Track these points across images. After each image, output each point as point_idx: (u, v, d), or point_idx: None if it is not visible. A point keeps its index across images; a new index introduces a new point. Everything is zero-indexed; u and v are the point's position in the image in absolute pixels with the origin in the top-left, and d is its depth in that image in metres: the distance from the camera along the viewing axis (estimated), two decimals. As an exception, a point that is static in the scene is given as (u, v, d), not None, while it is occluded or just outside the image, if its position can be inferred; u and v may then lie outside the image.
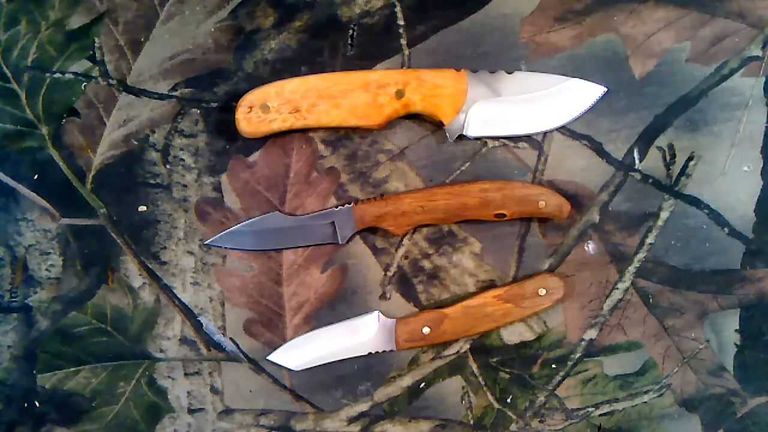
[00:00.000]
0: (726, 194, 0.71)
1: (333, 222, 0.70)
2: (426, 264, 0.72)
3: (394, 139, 0.73)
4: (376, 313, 0.70)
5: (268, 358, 0.71)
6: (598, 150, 0.72)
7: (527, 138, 0.72)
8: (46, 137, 0.73)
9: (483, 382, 0.72)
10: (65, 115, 0.73)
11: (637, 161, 0.72)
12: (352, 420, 0.72)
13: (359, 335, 0.70)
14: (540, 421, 0.71)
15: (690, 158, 0.72)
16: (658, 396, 0.71)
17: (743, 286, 0.71)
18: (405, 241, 0.72)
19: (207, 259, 0.72)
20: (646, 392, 0.71)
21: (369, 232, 0.72)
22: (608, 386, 0.71)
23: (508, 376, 0.72)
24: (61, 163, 0.73)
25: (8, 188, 0.73)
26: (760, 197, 0.71)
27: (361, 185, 0.72)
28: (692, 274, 0.71)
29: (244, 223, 0.71)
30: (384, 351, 0.70)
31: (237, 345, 0.72)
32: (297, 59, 0.73)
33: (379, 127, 0.71)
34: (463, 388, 0.72)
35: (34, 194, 0.73)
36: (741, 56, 0.72)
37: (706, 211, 0.71)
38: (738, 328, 0.71)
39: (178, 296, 0.72)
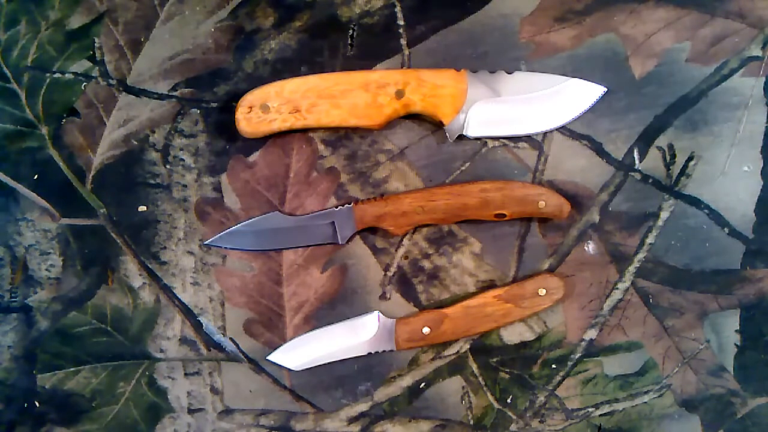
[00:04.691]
0: (726, 194, 0.71)
1: (333, 222, 0.70)
2: (426, 264, 0.72)
3: (394, 139, 0.73)
4: (376, 313, 0.70)
5: (268, 358, 0.71)
6: (598, 150, 0.72)
7: (527, 138, 0.72)
8: (46, 137, 0.73)
9: (483, 382, 0.72)
10: (65, 115, 0.74)
11: (637, 161, 0.72)
12: (352, 420, 0.72)
13: (359, 335, 0.70)
14: (540, 422, 0.71)
15: (690, 158, 0.72)
16: (659, 396, 0.71)
17: (743, 286, 0.71)
18: (405, 241, 0.72)
19: (207, 259, 0.72)
20: (646, 392, 0.71)
21: (369, 232, 0.72)
22: (608, 386, 0.71)
23: (508, 376, 0.72)
24: (61, 163, 0.73)
25: (8, 188, 0.73)
26: (760, 197, 0.71)
27: (361, 185, 0.72)
28: (692, 274, 0.71)
29: (244, 223, 0.71)
30: (384, 351, 0.70)
31: (237, 345, 0.72)
32: (297, 59, 0.73)
33: (379, 127, 0.71)
34: (463, 388, 0.72)
35: (34, 194, 0.73)
36: (741, 56, 0.72)
37: (706, 211, 0.71)
38: (738, 328, 0.71)
39: (178, 296, 0.72)
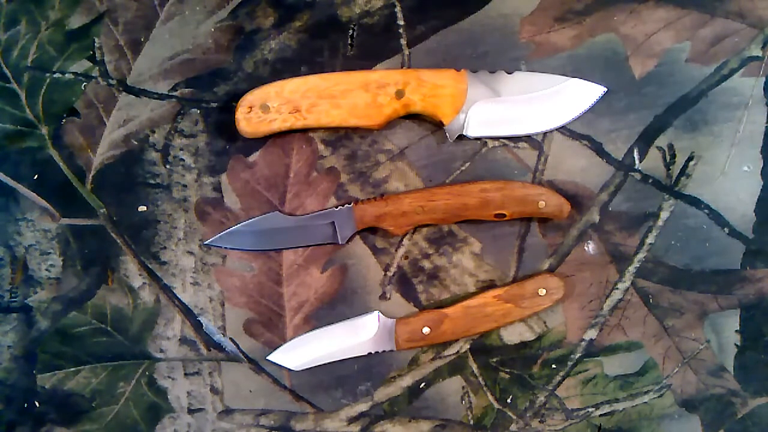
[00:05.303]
0: (726, 194, 0.71)
1: (333, 222, 0.70)
2: (426, 264, 0.72)
3: (394, 139, 0.73)
4: (376, 313, 0.70)
5: (268, 358, 0.71)
6: (598, 150, 0.72)
7: (527, 138, 0.72)
8: (46, 137, 0.73)
9: (483, 382, 0.72)
10: (65, 115, 0.74)
11: (637, 161, 0.72)
12: (352, 420, 0.72)
13: (359, 335, 0.70)
14: (540, 422, 0.71)
15: (690, 158, 0.72)
16: (659, 396, 0.71)
17: (743, 286, 0.71)
18: (405, 241, 0.72)
19: (207, 259, 0.72)
20: (646, 392, 0.71)
21: (369, 232, 0.72)
22: (608, 386, 0.71)
23: (508, 376, 0.72)
24: (61, 163, 0.73)
25: (8, 188, 0.73)
26: (760, 197, 0.71)
27: (361, 185, 0.72)
28: (692, 274, 0.71)
29: (244, 223, 0.71)
30: (384, 351, 0.70)
31: (237, 345, 0.72)
32: (297, 59, 0.73)
33: (379, 127, 0.71)
34: (463, 388, 0.72)
35: (34, 194, 0.73)
36: (741, 56, 0.72)
37: (706, 211, 0.71)
38: (738, 328, 0.71)
39: (178, 296, 0.72)
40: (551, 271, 0.72)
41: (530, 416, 0.71)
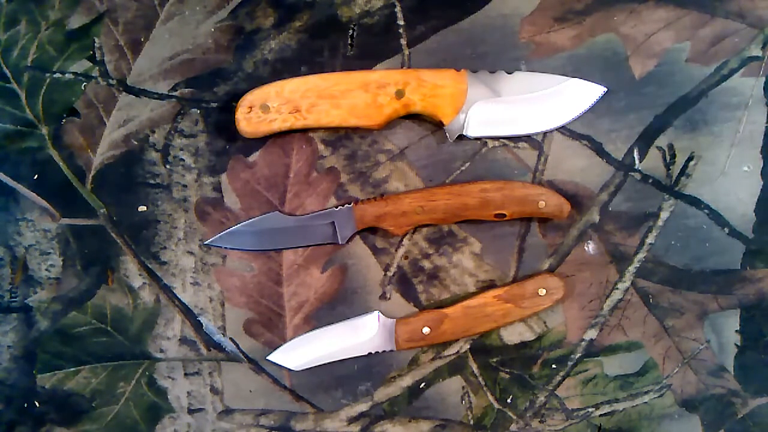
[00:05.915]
0: (726, 194, 0.71)
1: (333, 222, 0.70)
2: (426, 264, 0.72)
3: (394, 139, 0.73)
4: (376, 313, 0.70)
5: (268, 358, 0.71)
6: (598, 150, 0.72)
7: (527, 138, 0.72)
8: (46, 137, 0.73)
9: (483, 382, 0.72)
10: (65, 115, 0.74)
11: (637, 161, 0.72)
12: (352, 420, 0.72)
13: (359, 335, 0.70)
14: (540, 422, 0.71)
15: (690, 158, 0.72)
16: (659, 396, 0.71)
17: (743, 287, 0.71)
18: (405, 241, 0.72)
19: (207, 259, 0.72)
20: (646, 392, 0.71)
21: (369, 232, 0.72)
22: (608, 386, 0.71)
23: (508, 376, 0.72)
24: (61, 163, 0.73)
25: (8, 188, 0.73)
26: (760, 197, 0.71)
27: (361, 185, 0.72)
28: (692, 274, 0.71)
29: (244, 223, 0.71)
30: (384, 351, 0.70)
31: (237, 345, 0.72)
32: (297, 59, 0.73)
33: (379, 127, 0.71)
34: (463, 388, 0.72)
35: (34, 194, 0.73)
36: (741, 56, 0.72)
37: (706, 211, 0.71)
38: (738, 328, 0.71)
39: (178, 296, 0.72)
40: (551, 271, 0.72)
41: (530, 416, 0.71)
